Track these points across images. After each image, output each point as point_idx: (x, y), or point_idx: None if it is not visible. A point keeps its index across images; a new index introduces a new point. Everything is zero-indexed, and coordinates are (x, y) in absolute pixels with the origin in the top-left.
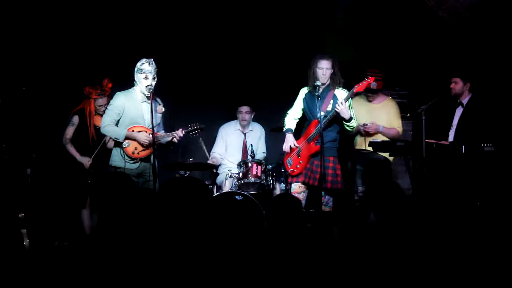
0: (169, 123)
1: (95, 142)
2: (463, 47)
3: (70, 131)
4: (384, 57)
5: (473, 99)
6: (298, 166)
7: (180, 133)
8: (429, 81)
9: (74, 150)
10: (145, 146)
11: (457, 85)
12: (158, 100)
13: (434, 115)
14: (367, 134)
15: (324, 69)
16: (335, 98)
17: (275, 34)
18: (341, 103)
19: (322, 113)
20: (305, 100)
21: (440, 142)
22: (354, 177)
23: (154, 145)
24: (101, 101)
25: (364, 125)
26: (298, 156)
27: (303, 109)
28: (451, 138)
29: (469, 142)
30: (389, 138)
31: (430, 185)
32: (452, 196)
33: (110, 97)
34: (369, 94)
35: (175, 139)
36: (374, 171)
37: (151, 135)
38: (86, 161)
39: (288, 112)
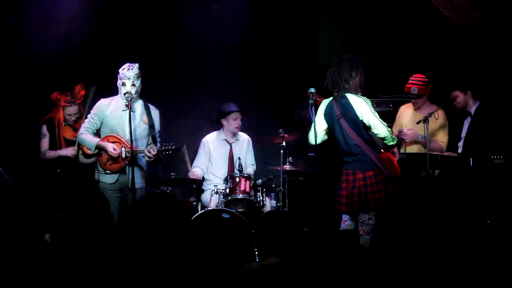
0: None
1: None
2: (462, 55)
3: (45, 143)
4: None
5: (481, 107)
6: None
7: (152, 151)
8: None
9: (54, 151)
10: (114, 159)
11: (458, 98)
12: (152, 108)
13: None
14: (409, 143)
15: None
16: None
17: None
18: None
19: None
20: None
21: (444, 154)
22: None
23: (134, 159)
24: (71, 109)
25: (400, 131)
26: None
27: None
28: (460, 150)
29: (478, 154)
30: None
31: (436, 201)
32: (459, 213)
33: (83, 106)
34: (412, 100)
35: (146, 157)
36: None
37: (120, 149)
38: (70, 151)
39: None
